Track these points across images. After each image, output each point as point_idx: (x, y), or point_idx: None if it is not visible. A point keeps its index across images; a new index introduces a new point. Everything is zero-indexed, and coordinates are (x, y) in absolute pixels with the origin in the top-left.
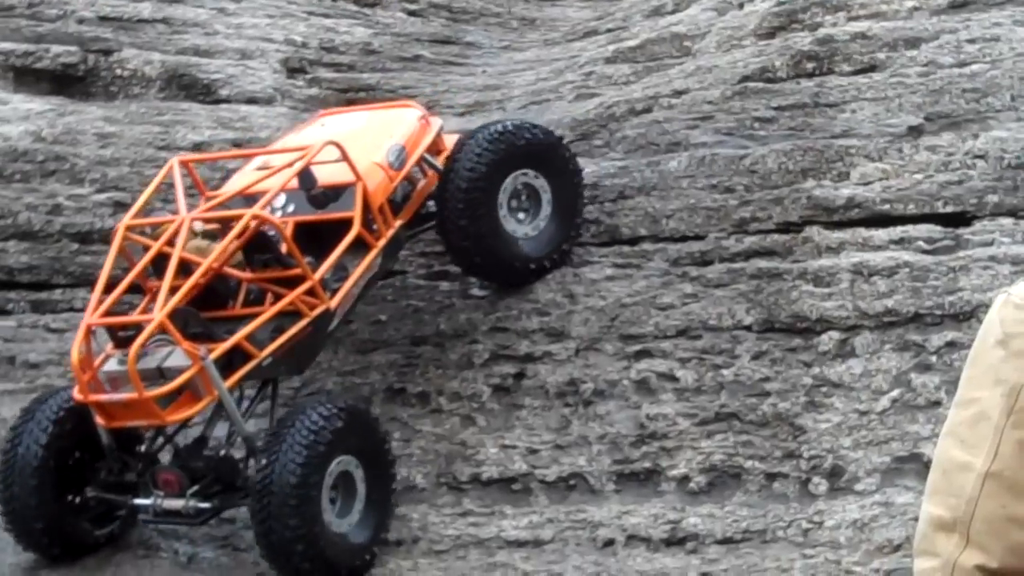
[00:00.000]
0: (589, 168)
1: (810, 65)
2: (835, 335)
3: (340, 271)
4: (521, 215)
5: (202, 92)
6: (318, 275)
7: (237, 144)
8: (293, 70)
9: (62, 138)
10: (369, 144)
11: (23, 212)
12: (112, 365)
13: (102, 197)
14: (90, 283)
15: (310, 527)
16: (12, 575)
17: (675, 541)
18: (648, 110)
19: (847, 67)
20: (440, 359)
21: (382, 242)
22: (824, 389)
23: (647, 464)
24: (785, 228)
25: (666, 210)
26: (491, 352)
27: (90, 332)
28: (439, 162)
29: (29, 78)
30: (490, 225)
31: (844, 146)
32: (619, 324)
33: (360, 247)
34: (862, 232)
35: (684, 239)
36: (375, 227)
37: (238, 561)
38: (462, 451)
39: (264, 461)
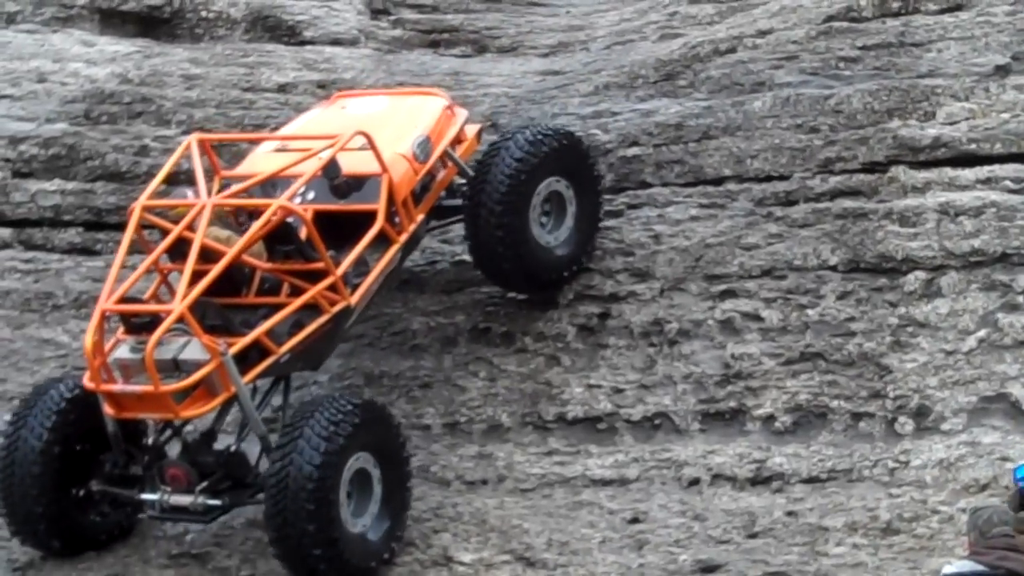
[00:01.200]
0: (673, 108)
1: (896, 4)
2: (921, 275)
3: (360, 266)
4: (544, 222)
5: (286, 33)
6: (341, 270)
7: (321, 86)
8: (377, 11)
9: (148, 80)
10: (394, 133)
11: (110, 153)
12: (124, 352)
13: (188, 138)
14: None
15: (327, 529)
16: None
17: (760, 480)
18: (732, 50)
19: (933, 6)
20: (525, 299)
21: (404, 237)
22: (910, 329)
23: (732, 404)
24: (871, 168)
25: (750, 150)
26: (576, 292)
27: (104, 318)
28: (459, 153)
29: (115, 20)
30: (523, 235)
31: (930, 86)
32: (704, 264)
33: (381, 241)
34: (948, 172)
35: (769, 179)
36: (397, 221)
37: None
38: (547, 391)
39: (279, 459)
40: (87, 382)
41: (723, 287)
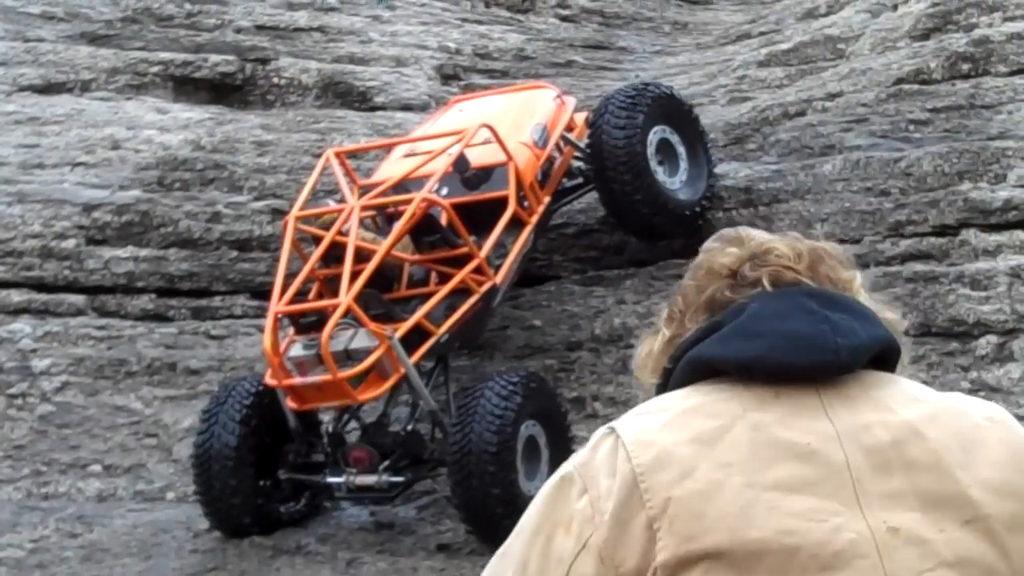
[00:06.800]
0: (743, 172)
1: (965, 66)
2: (993, 339)
3: (499, 248)
4: (663, 168)
5: (357, 99)
6: (483, 253)
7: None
8: (447, 76)
9: (221, 146)
10: (512, 125)
11: (183, 220)
12: (297, 351)
13: (260, 205)
14: (249, 289)
15: (509, 490)
16: None
17: None
18: (802, 113)
19: (1003, 68)
20: (595, 364)
21: (535, 218)
22: (983, 394)
23: None
24: (941, 231)
25: (820, 214)
26: None
27: (278, 320)
28: (575, 135)
29: (188, 87)
30: (652, 183)
31: (1001, 148)
32: None
33: (515, 224)
34: (1020, 235)
35: (839, 242)
36: (526, 204)
37: (395, 568)
38: None
39: (459, 430)
40: (269, 379)
41: None
